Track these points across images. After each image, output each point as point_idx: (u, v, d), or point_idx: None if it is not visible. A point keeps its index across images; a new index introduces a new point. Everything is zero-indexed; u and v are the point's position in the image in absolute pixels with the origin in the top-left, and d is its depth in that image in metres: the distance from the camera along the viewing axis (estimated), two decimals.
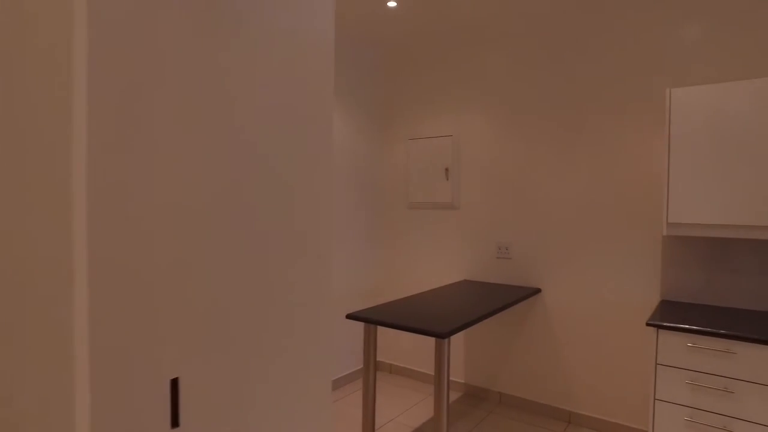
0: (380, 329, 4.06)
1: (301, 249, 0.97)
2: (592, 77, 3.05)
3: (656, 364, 2.34)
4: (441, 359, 2.35)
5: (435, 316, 2.47)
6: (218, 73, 0.83)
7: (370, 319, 2.48)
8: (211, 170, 0.83)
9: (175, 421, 0.80)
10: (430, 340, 3.82)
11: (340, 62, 3.64)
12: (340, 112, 3.67)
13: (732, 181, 2.35)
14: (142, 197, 0.75)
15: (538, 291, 3.22)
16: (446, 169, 3.65)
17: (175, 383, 0.80)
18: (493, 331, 3.50)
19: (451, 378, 3.73)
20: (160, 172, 0.77)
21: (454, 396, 3.59)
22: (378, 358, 4.14)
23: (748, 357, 2.13)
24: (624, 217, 2.95)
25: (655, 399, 2.36)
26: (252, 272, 0.87)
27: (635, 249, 2.91)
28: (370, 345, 2.65)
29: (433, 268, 3.82)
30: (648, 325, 2.33)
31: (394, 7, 3.20)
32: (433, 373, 3.81)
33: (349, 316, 2.58)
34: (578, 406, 3.14)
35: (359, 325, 3.88)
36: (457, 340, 3.68)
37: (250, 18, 0.87)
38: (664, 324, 2.30)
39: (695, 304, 2.70)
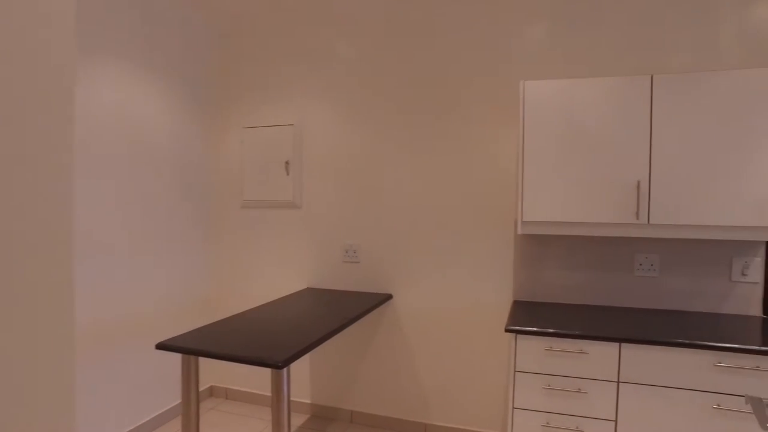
0: None
1: None
2: (447, 70, 2.86)
3: (514, 371, 2.19)
4: (279, 392, 1.90)
5: (272, 338, 2.02)
6: None
7: (189, 348, 1.94)
8: None
9: None
10: None
11: (160, 29, 2.95)
12: (158, 88, 2.97)
13: (579, 178, 2.30)
14: None
15: (389, 297, 2.95)
16: (287, 163, 3.20)
17: None
18: (341, 344, 3.14)
19: (296, 399, 3.29)
20: None
21: (300, 419, 3.16)
22: (211, 383, 3.52)
23: (597, 355, 2.10)
24: (479, 216, 2.81)
25: (513, 407, 2.21)
26: None
27: (490, 249, 2.79)
28: (190, 380, 2.09)
29: (272, 276, 3.33)
30: (507, 331, 2.16)
31: None
32: None
33: (159, 347, 1.99)
34: (434, 418, 2.93)
35: None
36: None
37: None
38: (524, 329, 2.15)
39: (545, 303, 2.66)
